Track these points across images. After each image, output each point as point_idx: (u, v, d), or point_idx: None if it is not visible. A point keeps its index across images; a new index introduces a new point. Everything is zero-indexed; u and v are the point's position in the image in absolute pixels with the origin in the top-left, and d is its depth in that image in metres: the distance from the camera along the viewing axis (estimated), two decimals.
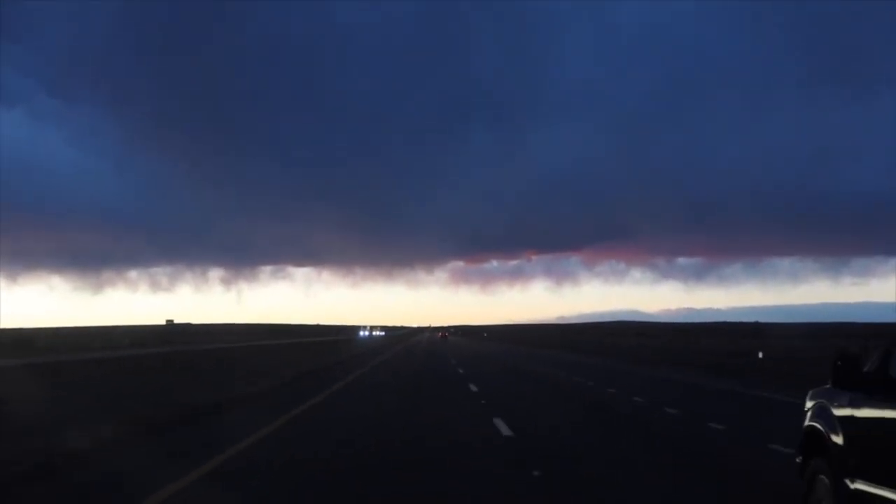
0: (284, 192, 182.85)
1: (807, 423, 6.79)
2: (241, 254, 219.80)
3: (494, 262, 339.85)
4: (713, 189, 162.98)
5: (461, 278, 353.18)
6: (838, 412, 6.24)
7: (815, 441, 6.55)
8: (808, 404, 6.91)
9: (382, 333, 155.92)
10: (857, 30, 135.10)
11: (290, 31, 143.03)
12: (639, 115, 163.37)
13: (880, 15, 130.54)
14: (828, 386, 6.65)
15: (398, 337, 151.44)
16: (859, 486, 5.76)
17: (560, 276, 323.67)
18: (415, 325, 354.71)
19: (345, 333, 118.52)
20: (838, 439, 6.17)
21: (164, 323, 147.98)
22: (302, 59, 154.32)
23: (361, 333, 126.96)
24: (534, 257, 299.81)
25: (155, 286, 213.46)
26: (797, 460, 6.97)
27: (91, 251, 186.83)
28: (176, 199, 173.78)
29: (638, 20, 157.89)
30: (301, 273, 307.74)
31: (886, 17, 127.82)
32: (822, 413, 6.53)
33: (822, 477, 6.41)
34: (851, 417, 6.04)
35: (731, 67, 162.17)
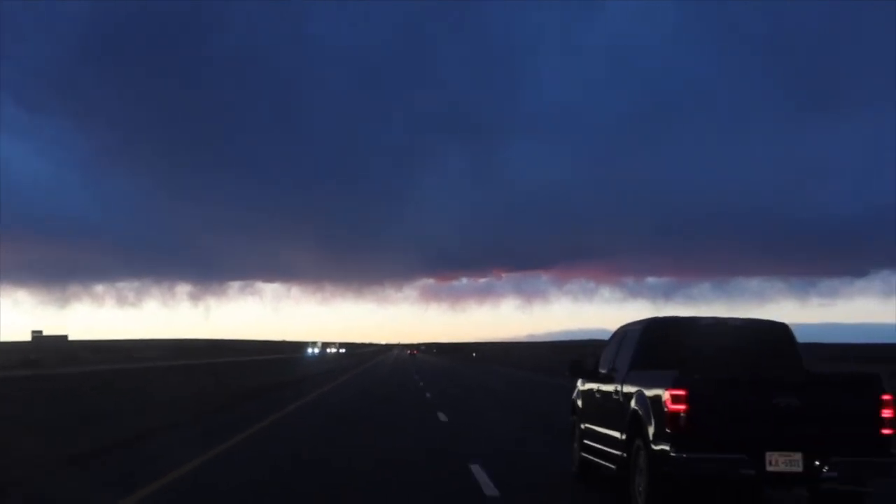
0: (255, 208, 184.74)
1: (573, 397, 12.62)
2: (210, 269, 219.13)
3: (464, 280, 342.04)
4: (683, 210, 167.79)
5: (431, 296, 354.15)
6: (579, 388, 12.09)
7: (574, 405, 12.37)
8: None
9: (342, 351, 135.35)
10: (828, 57, 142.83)
11: (264, 50, 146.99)
12: (610, 136, 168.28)
13: (851, 43, 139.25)
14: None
15: (361, 356, 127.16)
16: (585, 424, 11.58)
17: (530, 294, 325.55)
18: (384, 342, 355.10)
19: (293, 351, 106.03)
20: (579, 402, 12.01)
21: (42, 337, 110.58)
22: (276, 78, 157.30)
23: (310, 351, 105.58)
24: (503, 275, 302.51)
25: (122, 301, 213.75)
26: (571, 418, 12.77)
27: (57, 265, 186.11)
28: (144, 213, 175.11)
29: (610, 43, 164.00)
30: (270, 289, 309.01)
31: (857, 46, 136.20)
32: (576, 390, 12.37)
33: (576, 425, 12.22)
34: (581, 390, 11.90)
35: (703, 91, 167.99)
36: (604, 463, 10.36)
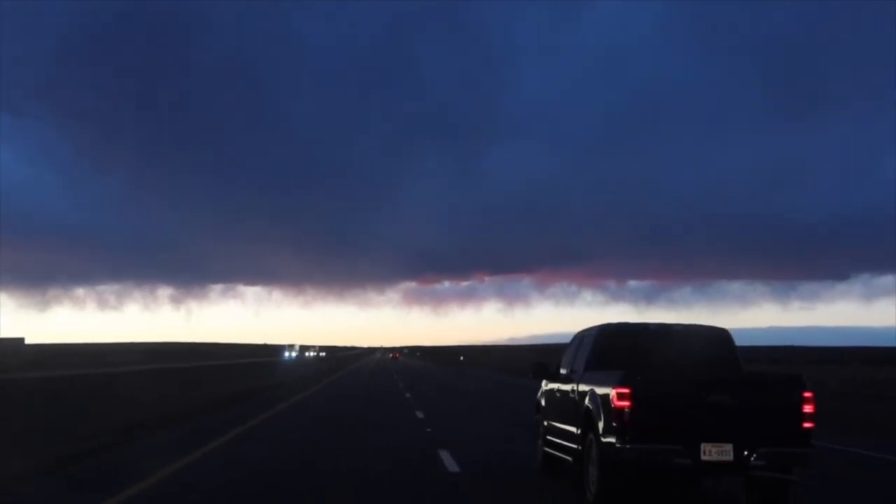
0: (236, 210, 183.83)
1: (537, 396, 13.62)
2: (191, 272, 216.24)
3: (447, 283, 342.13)
4: (665, 213, 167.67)
5: (413, 299, 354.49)
6: (543, 388, 13.09)
7: (538, 404, 13.36)
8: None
9: (322, 354, 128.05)
10: (808, 58, 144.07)
11: (243, 49, 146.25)
12: (592, 139, 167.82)
13: (833, 45, 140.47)
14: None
15: (342, 360, 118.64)
16: (547, 421, 12.57)
17: (512, 297, 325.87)
18: (366, 345, 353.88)
19: (272, 354, 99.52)
20: (543, 401, 13.01)
21: None
22: (255, 77, 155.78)
23: (286, 355, 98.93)
24: (486, 279, 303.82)
25: (102, 304, 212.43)
26: (536, 417, 13.75)
27: (36, 267, 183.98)
28: (125, 215, 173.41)
29: (593, 44, 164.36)
30: (251, 292, 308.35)
31: (835, 46, 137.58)
32: (541, 391, 13.36)
33: (540, 422, 13.21)
34: (544, 390, 12.91)
35: (684, 93, 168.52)
36: (563, 456, 11.36)
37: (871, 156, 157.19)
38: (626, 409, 8.99)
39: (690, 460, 8.94)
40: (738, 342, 11.06)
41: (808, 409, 9.11)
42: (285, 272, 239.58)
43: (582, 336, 11.80)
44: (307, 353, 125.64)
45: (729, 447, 8.96)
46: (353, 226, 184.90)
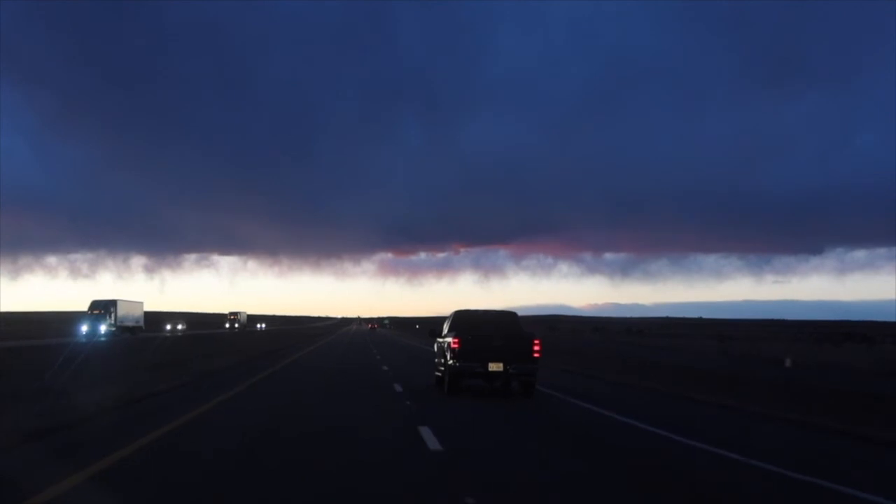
0: (211, 181, 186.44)
1: (433, 347, 25.73)
2: (166, 241, 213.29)
3: (423, 255, 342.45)
4: (640, 186, 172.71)
5: (389, 270, 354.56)
6: (437, 342, 25.25)
7: (434, 351, 25.46)
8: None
9: (262, 327, 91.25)
10: (786, 35, 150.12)
11: (218, 19, 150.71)
12: (569, 112, 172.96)
13: (808, 20, 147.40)
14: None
15: (297, 337, 79.15)
16: (435, 359, 24.77)
17: (488, 269, 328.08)
18: (339, 315, 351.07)
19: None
20: (435, 349, 25.20)
21: None
22: (230, 47, 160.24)
23: (83, 330, 58.39)
24: (462, 250, 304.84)
25: (75, 273, 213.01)
26: (435, 360, 25.82)
27: (8, 236, 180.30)
28: (99, 185, 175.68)
29: (570, 16, 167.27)
30: (226, 262, 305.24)
31: (813, 22, 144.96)
32: (434, 344, 25.49)
33: (434, 361, 25.28)
34: (435, 343, 25.13)
35: (662, 67, 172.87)
36: (438, 375, 23.50)
37: (846, 130, 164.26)
38: (456, 348, 21.09)
39: (483, 370, 21.06)
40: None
41: (536, 347, 21.23)
42: (261, 242, 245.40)
43: (451, 314, 23.89)
44: (174, 327, 76.33)
45: (501, 364, 21.09)
46: (330, 196, 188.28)
